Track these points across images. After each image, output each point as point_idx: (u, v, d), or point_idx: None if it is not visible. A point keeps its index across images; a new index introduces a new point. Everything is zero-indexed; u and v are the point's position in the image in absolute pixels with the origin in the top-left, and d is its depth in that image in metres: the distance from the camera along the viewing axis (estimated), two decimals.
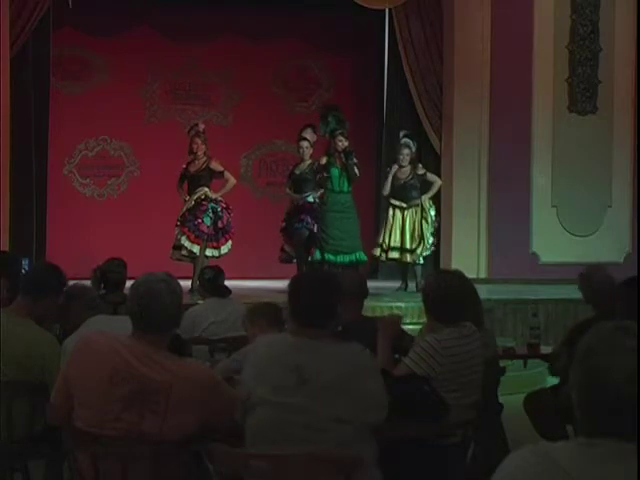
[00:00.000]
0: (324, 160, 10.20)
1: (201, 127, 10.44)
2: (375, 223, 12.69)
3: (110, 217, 11.98)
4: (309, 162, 10.39)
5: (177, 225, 10.23)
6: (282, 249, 10.52)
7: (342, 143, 10.15)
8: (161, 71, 12.37)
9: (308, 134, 10.45)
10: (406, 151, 10.43)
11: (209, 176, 10.26)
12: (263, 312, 5.03)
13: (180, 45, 12.21)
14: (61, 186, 11.85)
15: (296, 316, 3.44)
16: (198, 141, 10.25)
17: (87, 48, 12.06)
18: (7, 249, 9.70)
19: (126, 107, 12.14)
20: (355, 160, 10.21)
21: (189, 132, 10.46)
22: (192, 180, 10.26)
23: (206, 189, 10.20)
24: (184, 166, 10.32)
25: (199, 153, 10.23)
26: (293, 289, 3.52)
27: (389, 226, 10.52)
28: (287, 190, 10.59)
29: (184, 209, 10.19)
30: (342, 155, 10.14)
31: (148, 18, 12.08)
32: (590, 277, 5.80)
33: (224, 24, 12.22)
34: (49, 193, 11.23)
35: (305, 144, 10.38)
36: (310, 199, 10.29)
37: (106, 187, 12.35)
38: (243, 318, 5.23)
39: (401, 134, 10.78)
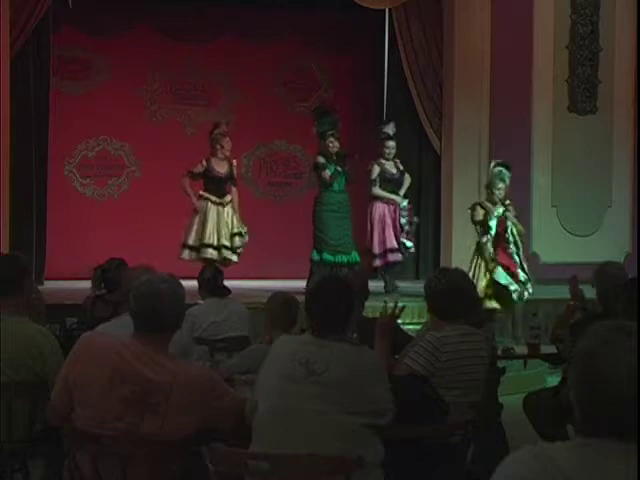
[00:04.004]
0: (322, 159, 10.11)
1: (225, 127, 10.27)
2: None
3: (110, 217, 11.97)
4: (393, 162, 10.34)
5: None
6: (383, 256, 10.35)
7: (333, 144, 10.09)
8: (161, 71, 12.37)
9: (390, 130, 10.36)
10: (501, 185, 9.21)
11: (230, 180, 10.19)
12: (274, 310, 5.05)
13: (180, 45, 12.21)
14: (61, 186, 11.85)
15: (313, 322, 3.47)
16: (229, 141, 10.06)
17: (87, 48, 12.05)
18: (7, 249, 9.69)
19: (126, 107, 12.14)
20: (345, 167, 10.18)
21: (214, 131, 10.21)
22: (219, 182, 10.08)
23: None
24: (204, 163, 10.07)
25: (228, 154, 10.08)
26: (311, 294, 3.56)
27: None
28: (376, 190, 10.36)
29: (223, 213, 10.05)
30: (335, 157, 10.07)
31: (148, 18, 12.07)
32: (604, 273, 5.55)
33: (224, 24, 12.22)
34: (49, 193, 11.22)
35: (393, 144, 10.33)
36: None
37: (106, 187, 12.34)
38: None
39: (493, 163, 9.54)
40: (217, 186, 10.11)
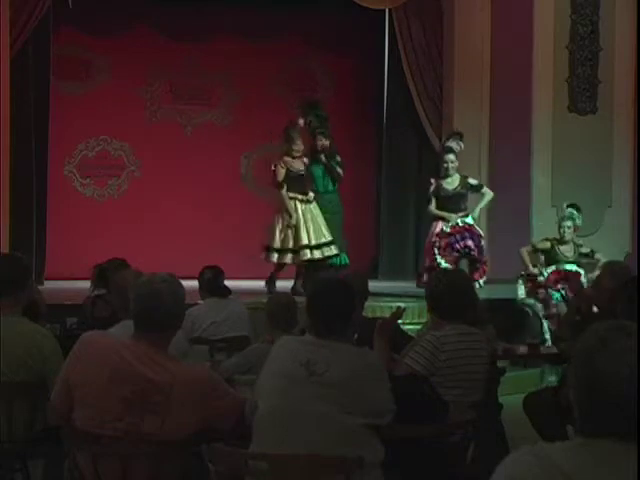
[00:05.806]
0: (307, 160, 9.81)
1: (301, 122, 9.94)
2: (376, 224, 12.69)
3: (110, 217, 11.98)
4: (458, 177, 9.87)
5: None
6: (422, 276, 9.87)
7: (322, 142, 9.85)
8: (161, 71, 12.37)
9: (454, 144, 9.94)
10: (569, 223, 9.37)
11: None
12: (274, 312, 5.07)
13: (180, 45, 12.21)
14: (61, 186, 11.85)
15: (314, 323, 3.47)
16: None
17: (87, 48, 12.05)
18: (7, 249, 9.69)
19: (126, 107, 12.14)
20: (339, 159, 9.91)
21: (291, 129, 9.89)
22: (300, 179, 9.72)
23: None
24: (283, 165, 9.67)
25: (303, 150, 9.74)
26: (311, 295, 3.57)
27: None
28: (429, 208, 9.98)
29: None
30: (323, 155, 9.84)
31: (148, 18, 12.08)
32: (614, 271, 5.47)
33: (224, 24, 12.22)
34: (49, 193, 11.22)
35: (451, 157, 9.83)
36: (469, 220, 9.79)
37: (106, 187, 12.34)
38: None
39: (565, 205, 9.65)
40: (299, 184, 9.74)
